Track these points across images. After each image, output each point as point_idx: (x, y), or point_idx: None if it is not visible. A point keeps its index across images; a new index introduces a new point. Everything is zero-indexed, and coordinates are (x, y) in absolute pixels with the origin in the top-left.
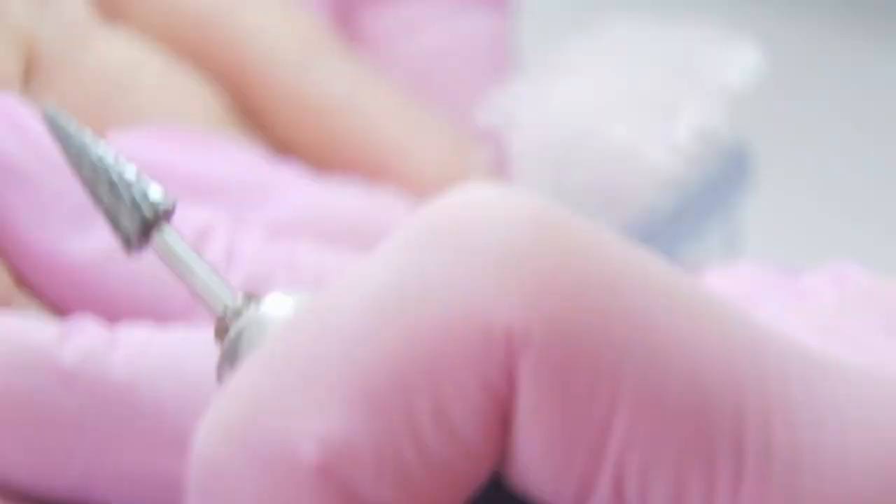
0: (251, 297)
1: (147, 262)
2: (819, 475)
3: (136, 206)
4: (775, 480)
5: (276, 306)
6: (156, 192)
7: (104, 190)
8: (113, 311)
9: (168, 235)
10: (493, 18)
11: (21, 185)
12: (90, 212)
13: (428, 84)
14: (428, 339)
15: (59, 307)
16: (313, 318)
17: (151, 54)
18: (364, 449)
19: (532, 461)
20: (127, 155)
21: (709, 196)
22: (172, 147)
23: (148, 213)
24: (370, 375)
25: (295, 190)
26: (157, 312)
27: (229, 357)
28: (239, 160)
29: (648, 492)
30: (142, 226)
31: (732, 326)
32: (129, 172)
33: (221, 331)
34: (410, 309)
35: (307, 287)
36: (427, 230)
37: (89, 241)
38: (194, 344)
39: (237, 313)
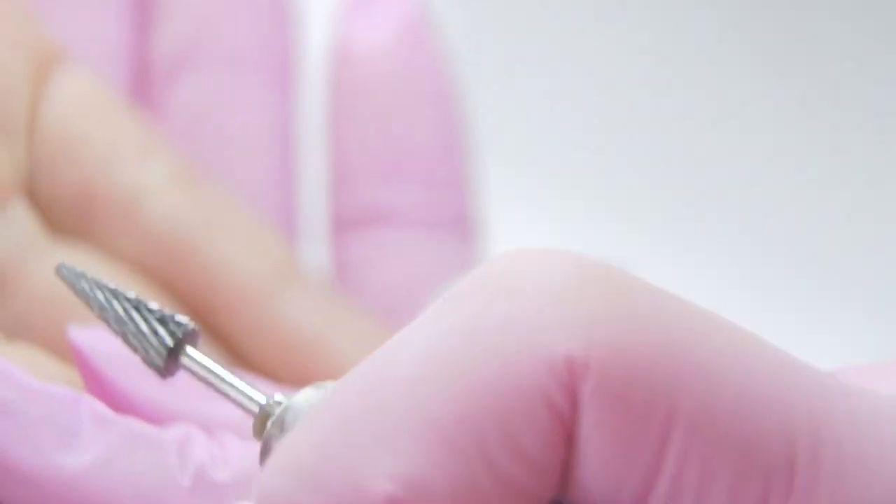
0: (283, 395)
1: (138, 464)
2: (863, 485)
3: (166, 329)
4: (823, 492)
5: (309, 398)
6: (180, 317)
7: (129, 326)
8: None
9: (195, 353)
10: (463, 250)
11: (2, 416)
12: (75, 429)
13: (397, 314)
14: (494, 371)
15: None
16: (373, 367)
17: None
18: (438, 481)
19: (593, 477)
20: None
21: None
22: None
23: (178, 333)
24: (438, 411)
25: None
26: None
27: (268, 449)
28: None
29: None
30: (173, 347)
31: (773, 349)
32: (152, 304)
33: (260, 427)
34: (473, 346)
35: None
36: (480, 282)
37: (76, 456)
38: None
39: (274, 406)
